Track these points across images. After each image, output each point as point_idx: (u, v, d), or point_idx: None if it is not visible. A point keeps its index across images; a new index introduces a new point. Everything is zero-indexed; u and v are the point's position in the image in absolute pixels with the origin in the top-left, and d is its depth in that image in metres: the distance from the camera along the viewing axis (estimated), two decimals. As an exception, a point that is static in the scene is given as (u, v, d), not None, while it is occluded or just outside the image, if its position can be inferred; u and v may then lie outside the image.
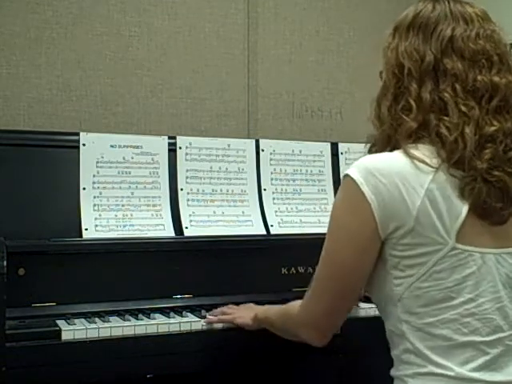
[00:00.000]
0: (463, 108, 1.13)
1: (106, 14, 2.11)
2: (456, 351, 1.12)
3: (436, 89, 1.15)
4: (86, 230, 1.72)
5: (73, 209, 1.72)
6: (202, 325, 1.51)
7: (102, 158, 1.80)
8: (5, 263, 1.39)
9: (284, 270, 1.77)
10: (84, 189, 1.76)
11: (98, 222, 1.74)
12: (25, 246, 1.55)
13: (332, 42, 2.41)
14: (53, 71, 2.04)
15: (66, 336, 1.39)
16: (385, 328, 1.23)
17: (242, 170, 1.95)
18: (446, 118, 1.13)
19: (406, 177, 1.12)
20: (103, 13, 2.10)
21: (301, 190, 2.00)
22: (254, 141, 2.00)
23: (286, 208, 1.97)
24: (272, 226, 1.92)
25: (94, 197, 1.76)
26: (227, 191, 1.91)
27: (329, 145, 2.06)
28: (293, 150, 2.03)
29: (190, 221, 1.84)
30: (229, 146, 1.95)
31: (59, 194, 1.74)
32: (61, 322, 1.46)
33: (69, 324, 1.45)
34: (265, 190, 1.96)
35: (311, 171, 2.03)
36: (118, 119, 2.11)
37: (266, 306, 1.52)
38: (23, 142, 1.75)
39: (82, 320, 1.49)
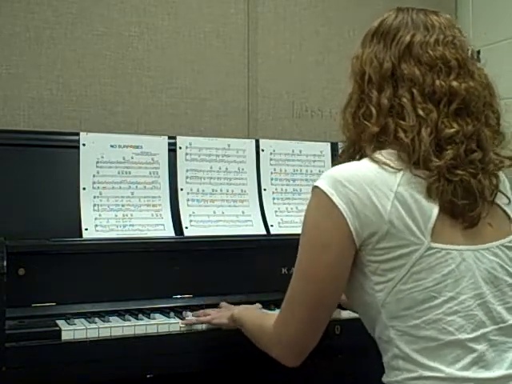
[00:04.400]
0: (421, 112, 1.15)
1: (105, 13, 2.11)
2: (444, 351, 1.12)
3: (395, 94, 1.18)
4: (86, 230, 1.72)
5: (73, 209, 1.72)
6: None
7: (102, 157, 1.80)
8: (5, 263, 1.39)
9: (284, 270, 1.77)
10: (84, 189, 1.76)
11: (98, 222, 1.74)
12: (25, 246, 1.55)
13: (332, 41, 2.41)
14: (53, 71, 2.04)
15: (65, 336, 1.39)
16: (373, 337, 1.23)
17: (242, 170, 1.95)
18: (402, 122, 1.16)
19: (374, 182, 1.14)
20: (103, 13, 2.10)
21: (301, 190, 2.00)
22: (253, 141, 2.00)
23: (286, 208, 1.97)
24: (272, 225, 1.92)
25: (94, 197, 1.76)
26: (227, 191, 1.91)
27: (329, 145, 2.06)
28: (293, 150, 2.03)
29: (190, 221, 1.84)
30: (229, 146, 1.95)
31: (59, 193, 1.74)
32: (61, 322, 1.46)
33: (69, 324, 1.45)
34: (265, 190, 1.96)
35: (311, 171, 2.03)
36: (118, 119, 2.11)
37: (245, 307, 1.51)
38: (23, 142, 1.75)
39: (82, 320, 1.49)
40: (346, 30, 2.40)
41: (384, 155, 1.17)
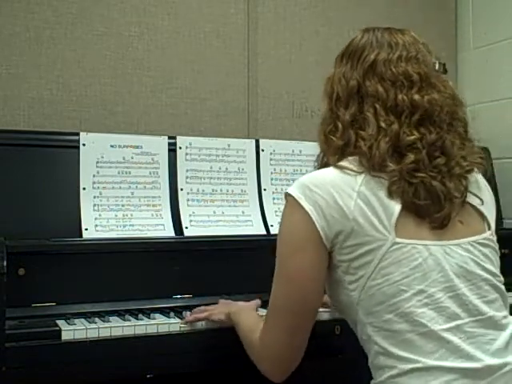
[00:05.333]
0: (382, 124, 1.22)
1: (105, 13, 2.11)
2: (419, 343, 1.14)
3: (361, 110, 1.25)
4: (86, 230, 1.72)
5: (73, 209, 1.72)
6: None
7: (102, 157, 1.80)
8: (5, 263, 1.39)
9: (284, 270, 1.77)
10: (84, 189, 1.76)
11: (98, 222, 1.74)
12: (25, 246, 1.55)
13: (332, 41, 2.41)
14: (53, 71, 2.04)
15: (65, 336, 1.39)
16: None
17: (242, 169, 1.95)
18: (362, 132, 1.23)
19: (338, 185, 1.20)
20: (103, 13, 2.10)
21: (301, 190, 2.00)
22: (253, 141, 2.00)
23: (286, 208, 1.96)
24: (272, 226, 1.92)
25: (94, 197, 1.76)
26: (227, 191, 1.91)
27: (329, 145, 2.06)
28: (293, 150, 2.03)
29: (190, 221, 1.84)
30: (229, 146, 1.95)
31: (59, 193, 1.74)
32: (61, 322, 1.46)
33: (69, 324, 1.45)
34: (265, 190, 1.97)
35: (311, 171, 2.02)
36: (118, 119, 2.11)
37: (243, 307, 1.50)
38: (23, 142, 1.75)
39: (82, 320, 1.49)
40: (346, 30, 2.40)
41: (347, 161, 1.24)
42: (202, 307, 1.57)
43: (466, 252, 1.21)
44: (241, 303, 1.54)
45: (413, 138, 1.20)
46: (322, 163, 1.32)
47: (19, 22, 2.00)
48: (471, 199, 1.26)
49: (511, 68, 2.43)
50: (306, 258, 1.20)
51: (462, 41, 2.65)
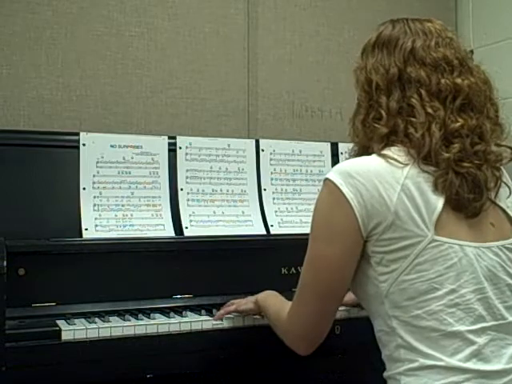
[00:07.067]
0: (429, 110, 1.21)
1: (106, 14, 2.11)
2: (444, 342, 1.14)
3: (404, 96, 1.23)
4: (86, 230, 1.72)
5: (73, 209, 1.72)
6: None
7: (102, 157, 1.80)
8: (5, 263, 1.39)
9: (284, 270, 1.77)
10: (84, 189, 1.76)
11: (98, 222, 1.74)
12: (25, 246, 1.55)
13: (332, 41, 2.41)
14: (53, 71, 2.04)
15: (65, 336, 1.39)
16: (373, 330, 1.26)
17: (242, 170, 1.95)
18: (412, 119, 1.21)
19: (381, 174, 1.18)
20: (103, 13, 2.10)
21: (301, 189, 2.00)
22: (253, 141, 2.00)
23: (286, 208, 1.97)
24: (272, 225, 1.92)
25: (94, 197, 1.76)
26: (227, 191, 1.91)
27: (329, 145, 2.06)
28: (293, 150, 2.03)
29: (190, 221, 1.84)
30: (229, 145, 1.95)
31: (59, 194, 1.74)
32: (61, 322, 1.46)
33: (69, 324, 1.45)
34: (265, 190, 1.96)
35: (311, 171, 2.03)
36: (117, 119, 2.11)
37: (269, 293, 1.51)
38: (23, 142, 1.75)
39: (82, 320, 1.49)
40: (346, 30, 2.40)
41: (392, 151, 1.21)
42: (229, 302, 1.58)
43: (495, 256, 1.21)
44: (267, 291, 1.54)
45: (458, 124, 1.20)
46: (358, 154, 1.29)
47: (19, 21, 2.00)
48: (501, 199, 1.26)
49: (511, 68, 2.43)
50: (340, 246, 1.19)
51: (462, 41, 2.64)
